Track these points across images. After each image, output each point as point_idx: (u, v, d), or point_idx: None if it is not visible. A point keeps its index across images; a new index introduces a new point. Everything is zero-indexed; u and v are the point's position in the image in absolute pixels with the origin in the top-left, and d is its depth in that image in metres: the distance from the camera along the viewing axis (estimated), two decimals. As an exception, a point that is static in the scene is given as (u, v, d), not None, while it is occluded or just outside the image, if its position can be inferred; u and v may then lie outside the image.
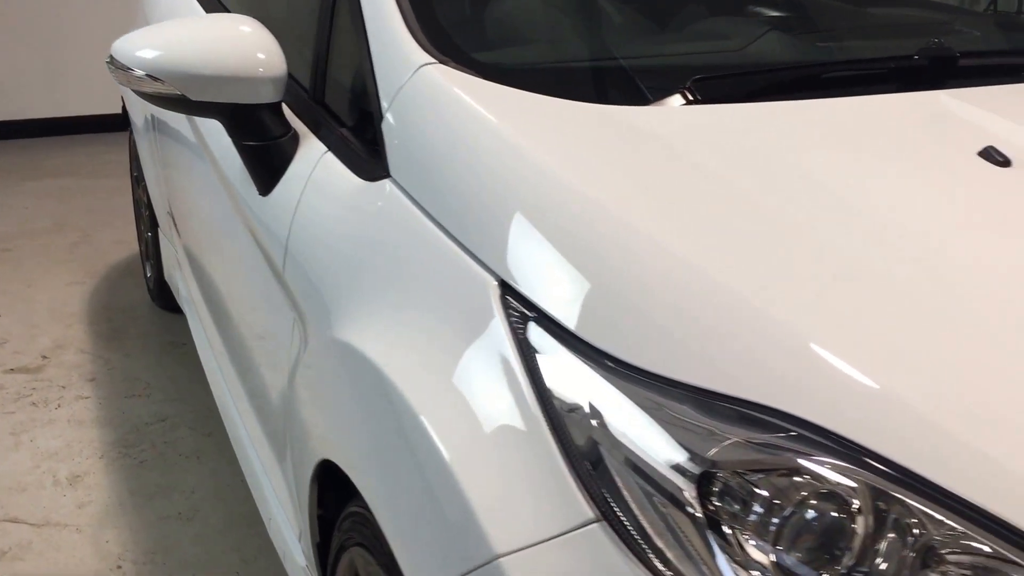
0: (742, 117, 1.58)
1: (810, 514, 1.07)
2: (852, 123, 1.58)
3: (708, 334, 1.17)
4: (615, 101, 1.60)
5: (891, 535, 1.05)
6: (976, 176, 1.43)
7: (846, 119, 1.59)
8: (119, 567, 2.67)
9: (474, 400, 1.30)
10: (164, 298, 3.94)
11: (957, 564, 1.02)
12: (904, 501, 1.04)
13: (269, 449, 2.19)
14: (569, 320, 1.25)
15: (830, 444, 1.07)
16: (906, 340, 1.14)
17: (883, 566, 1.04)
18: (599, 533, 1.14)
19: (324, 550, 1.82)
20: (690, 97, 1.60)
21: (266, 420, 2.18)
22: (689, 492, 1.10)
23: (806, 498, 1.07)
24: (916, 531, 1.04)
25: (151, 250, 4.02)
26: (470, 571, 1.21)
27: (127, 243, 4.71)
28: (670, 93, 1.61)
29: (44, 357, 3.78)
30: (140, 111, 3.63)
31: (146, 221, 4.05)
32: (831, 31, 2.12)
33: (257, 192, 2.02)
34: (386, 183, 1.64)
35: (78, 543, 2.76)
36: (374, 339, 1.50)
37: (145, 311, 4.21)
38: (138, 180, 4.09)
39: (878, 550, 1.05)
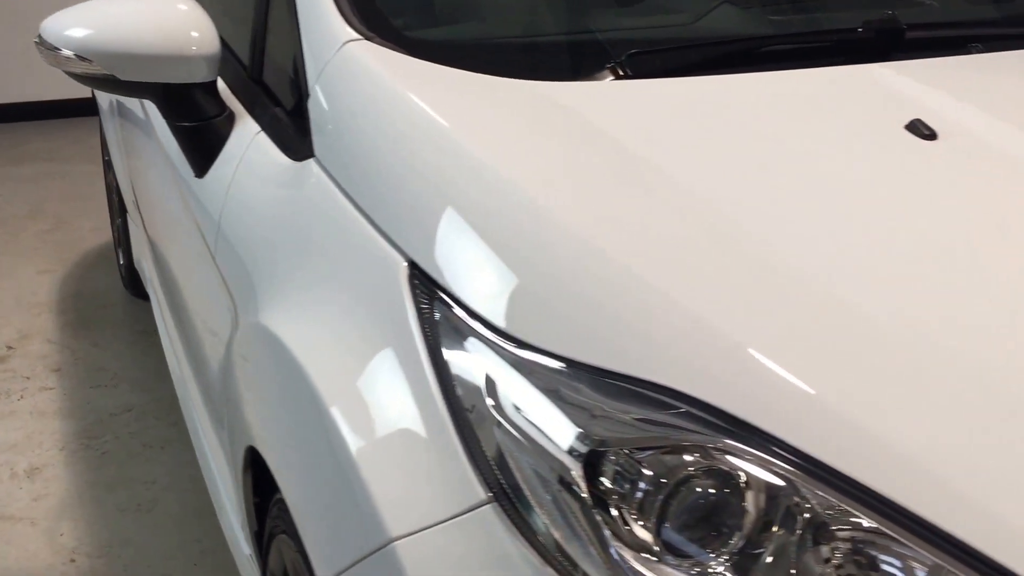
0: (671, 93, 1.53)
1: (698, 492, 1.05)
2: (782, 98, 1.54)
3: (605, 314, 1.15)
4: (542, 77, 1.55)
5: (781, 513, 1.03)
6: (900, 150, 1.39)
7: (777, 93, 1.55)
8: (72, 560, 2.63)
9: (379, 384, 1.27)
10: (136, 285, 3.90)
11: (844, 540, 1.01)
12: (792, 479, 1.02)
13: (215, 437, 2.15)
14: (472, 300, 1.22)
15: (719, 423, 1.05)
16: (800, 317, 1.12)
17: (773, 543, 1.03)
18: (491, 514, 1.12)
19: (262, 538, 1.78)
20: (620, 72, 1.55)
21: (212, 407, 2.15)
22: (576, 471, 1.08)
23: (694, 476, 1.05)
24: (806, 511, 1.02)
25: (122, 236, 3.98)
26: (367, 555, 1.19)
27: (104, 230, 4.66)
28: (600, 68, 1.56)
29: (9, 348, 3.73)
30: (106, 95, 3.58)
31: (116, 206, 4.01)
32: (787, 3, 2.06)
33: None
34: (311, 163, 1.60)
35: (31, 537, 2.72)
36: (290, 323, 1.47)
37: (117, 299, 4.17)
38: (109, 165, 4.04)
39: (768, 527, 1.03)
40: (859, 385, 1.06)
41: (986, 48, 1.70)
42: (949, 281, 1.18)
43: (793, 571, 1.02)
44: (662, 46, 1.68)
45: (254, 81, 1.95)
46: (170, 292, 2.68)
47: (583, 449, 1.08)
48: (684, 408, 1.06)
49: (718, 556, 1.04)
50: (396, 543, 1.16)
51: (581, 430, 1.09)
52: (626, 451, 1.07)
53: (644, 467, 1.06)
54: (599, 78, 1.55)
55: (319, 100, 1.62)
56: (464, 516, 1.13)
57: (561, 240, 1.22)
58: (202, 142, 1.91)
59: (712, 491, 1.05)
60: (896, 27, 1.70)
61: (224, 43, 2.07)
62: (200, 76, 1.83)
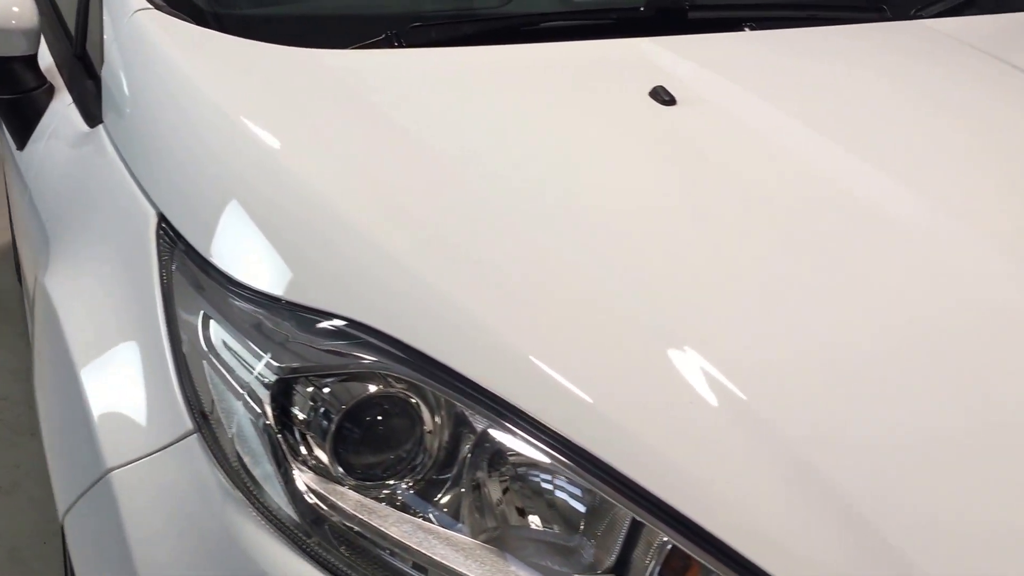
0: (439, 62, 1.59)
1: (379, 419, 1.11)
2: (544, 69, 1.60)
3: (301, 253, 1.21)
4: (319, 45, 1.60)
5: (458, 439, 1.09)
6: (638, 113, 1.47)
7: (544, 64, 1.61)
8: (-78, 539, 2.64)
9: (120, 330, 1.32)
10: (26, 279, 3.90)
11: (516, 465, 1.07)
12: (466, 408, 1.08)
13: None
14: (200, 245, 1.27)
15: (400, 354, 1.10)
16: (483, 254, 1.18)
17: (453, 469, 1.09)
18: (195, 443, 1.17)
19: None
20: (399, 42, 1.61)
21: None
22: (265, 398, 1.13)
23: (375, 403, 1.11)
24: (482, 438, 1.08)
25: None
26: (89, 488, 1.24)
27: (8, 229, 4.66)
28: (379, 38, 1.62)
29: None
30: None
31: (7, 200, 4.02)
32: None
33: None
34: (100, 128, 1.65)
35: None
36: (62, 280, 1.51)
37: (12, 293, 4.17)
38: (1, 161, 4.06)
39: (448, 454, 1.09)
40: (538, 324, 1.11)
41: (758, 27, 1.78)
42: (627, 216, 1.25)
43: (463, 488, 1.09)
44: (443, 18, 1.73)
45: (76, 56, 1.99)
46: (27, 274, 2.71)
47: (272, 378, 1.13)
48: (364, 338, 1.11)
49: (400, 481, 1.09)
50: (112, 473, 1.21)
51: (272, 360, 1.14)
52: (312, 379, 1.12)
53: (326, 394, 1.11)
54: (378, 47, 1.61)
55: (109, 67, 1.66)
56: (173, 446, 1.19)
57: (277, 188, 1.28)
58: (21, 114, 1.95)
59: (392, 418, 1.11)
60: (677, 6, 1.76)
61: (60, 21, 2.12)
62: (20, 49, 1.86)
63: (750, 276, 1.19)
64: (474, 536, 1.07)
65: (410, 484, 1.10)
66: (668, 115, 1.46)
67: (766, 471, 1.01)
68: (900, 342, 1.14)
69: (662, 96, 1.48)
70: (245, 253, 1.24)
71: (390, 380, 1.10)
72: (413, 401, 1.10)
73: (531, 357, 1.08)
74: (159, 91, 1.51)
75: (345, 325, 1.13)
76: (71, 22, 2.08)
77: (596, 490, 1.03)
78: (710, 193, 1.33)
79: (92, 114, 1.72)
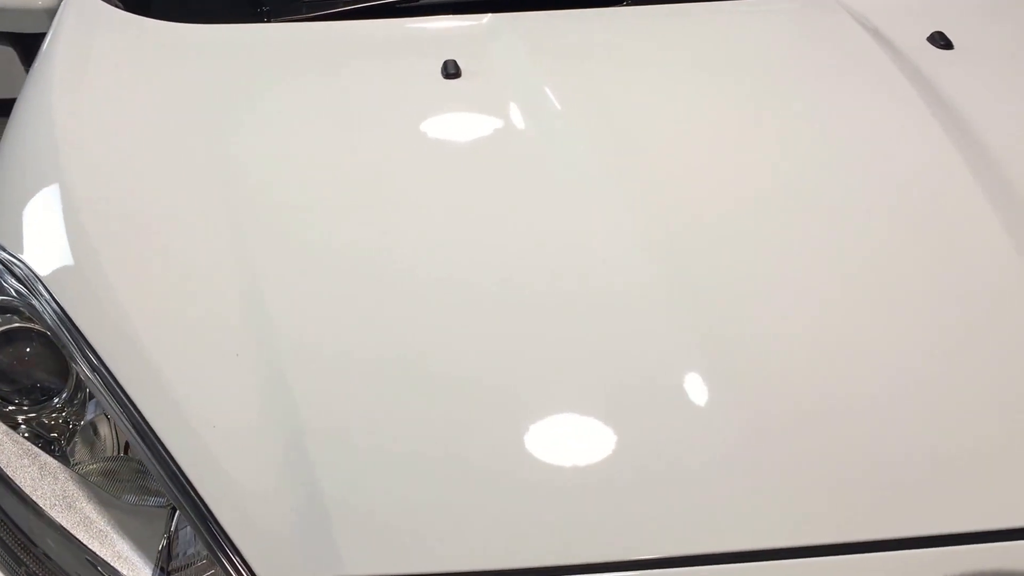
0: (265, 37, 1.68)
1: (28, 351, 1.22)
2: (354, 44, 1.65)
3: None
4: (191, 20, 1.72)
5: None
6: (419, 84, 1.52)
7: (350, 41, 1.66)
8: None
9: None
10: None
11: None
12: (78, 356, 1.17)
13: None
14: None
15: (45, 295, 1.21)
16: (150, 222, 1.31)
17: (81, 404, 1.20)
18: None
19: None
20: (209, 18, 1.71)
21: None
22: None
23: (23, 337, 1.22)
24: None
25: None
26: None
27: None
28: (224, 11, 1.74)
29: None
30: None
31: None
32: None
33: None
34: None
35: None
36: None
37: None
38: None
39: (76, 390, 1.20)
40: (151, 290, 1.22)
41: (633, 3, 1.72)
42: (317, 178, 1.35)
43: (83, 423, 1.19)
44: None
45: None
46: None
47: None
48: (16, 273, 1.24)
49: (40, 411, 1.21)
50: None
51: None
52: None
53: None
54: (227, 21, 1.73)
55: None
56: None
57: (24, 160, 1.45)
58: None
59: (34, 352, 1.22)
60: None
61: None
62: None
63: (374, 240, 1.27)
64: (89, 464, 1.17)
65: (49, 413, 1.21)
66: (442, 87, 1.50)
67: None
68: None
69: (448, 69, 1.52)
70: None
71: (24, 313, 1.21)
72: (52, 339, 1.20)
73: (135, 321, 1.19)
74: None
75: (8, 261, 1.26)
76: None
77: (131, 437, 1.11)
78: (423, 153, 1.39)
79: None
